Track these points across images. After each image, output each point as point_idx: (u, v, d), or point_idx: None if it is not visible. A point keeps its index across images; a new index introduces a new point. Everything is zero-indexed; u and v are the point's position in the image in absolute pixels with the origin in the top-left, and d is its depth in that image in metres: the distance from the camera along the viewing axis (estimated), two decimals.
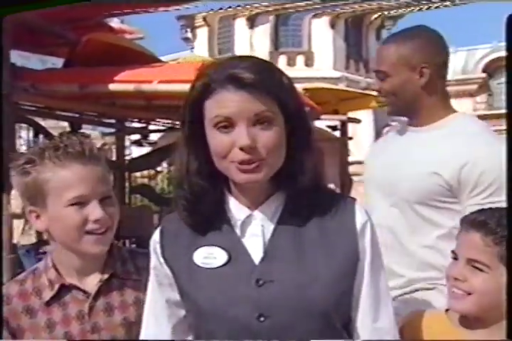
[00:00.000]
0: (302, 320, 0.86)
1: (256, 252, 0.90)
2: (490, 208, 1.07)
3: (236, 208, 0.92)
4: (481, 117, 17.91)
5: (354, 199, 0.96)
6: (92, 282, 1.09)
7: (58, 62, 5.54)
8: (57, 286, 1.08)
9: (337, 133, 8.87)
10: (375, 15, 17.53)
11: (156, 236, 0.97)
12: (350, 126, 9.01)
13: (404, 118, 1.57)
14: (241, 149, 0.84)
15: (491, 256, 0.98)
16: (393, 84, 1.48)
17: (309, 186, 0.90)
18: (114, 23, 5.58)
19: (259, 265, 0.89)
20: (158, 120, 5.69)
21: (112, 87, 3.12)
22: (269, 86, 0.86)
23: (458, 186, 1.35)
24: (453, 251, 1.06)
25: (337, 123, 8.65)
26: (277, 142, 0.86)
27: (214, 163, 0.89)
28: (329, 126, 8.74)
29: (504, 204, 1.35)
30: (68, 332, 1.07)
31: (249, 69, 0.85)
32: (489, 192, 1.32)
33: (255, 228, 0.91)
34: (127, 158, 7.20)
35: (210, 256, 0.91)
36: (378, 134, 16.24)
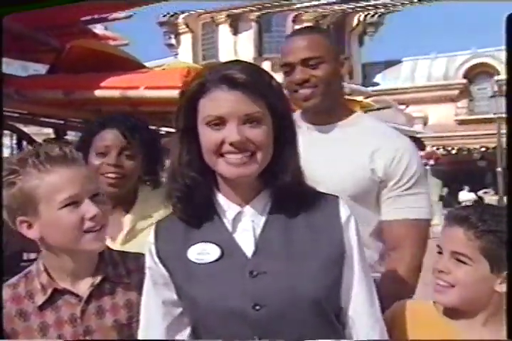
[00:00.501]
0: (296, 308, 0.91)
1: (248, 246, 0.95)
2: (473, 204, 1.11)
3: (226, 205, 0.97)
4: (463, 122, 18.07)
5: (337, 196, 1.02)
6: (84, 286, 1.10)
7: (40, 69, 5.50)
8: (49, 291, 1.09)
9: None
10: (356, 22, 17.75)
11: (150, 237, 1.01)
12: None
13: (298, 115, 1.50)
14: (231, 144, 0.90)
15: (473, 249, 1.02)
16: (327, 70, 1.44)
17: (293, 182, 0.96)
18: (98, 29, 5.56)
19: (252, 258, 0.94)
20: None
21: (98, 93, 3.11)
22: (260, 87, 0.92)
23: (386, 179, 1.39)
24: (438, 245, 1.09)
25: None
26: (265, 139, 0.92)
27: (204, 158, 0.94)
28: None
29: (423, 195, 1.43)
30: (61, 335, 1.08)
31: (242, 71, 0.91)
32: (410, 184, 1.39)
33: (246, 224, 0.96)
34: None
35: (203, 252, 0.95)
36: None
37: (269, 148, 0.94)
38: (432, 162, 17.39)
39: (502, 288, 1.03)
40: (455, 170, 16.94)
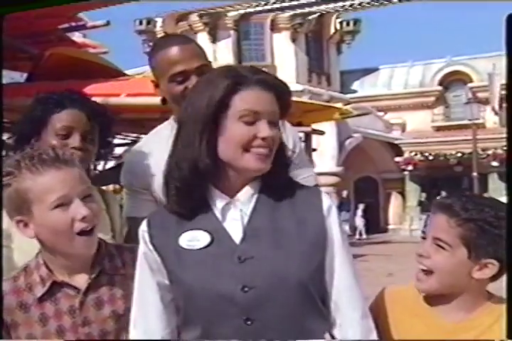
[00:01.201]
0: (282, 290, 0.97)
1: (236, 234, 1.00)
2: (458, 193, 1.15)
3: (216, 195, 1.03)
4: (440, 128, 18.32)
5: (319, 188, 1.11)
6: (82, 279, 1.14)
7: (17, 77, 5.45)
8: (48, 283, 1.12)
9: (301, 145, 8.98)
10: (333, 30, 17.99)
11: (143, 226, 1.06)
12: (314, 137, 9.17)
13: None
14: (263, 139, 0.98)
15: (453, 236, 1.07)
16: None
17: (281, 172, 1.04)
18: (76, 37, 5.55)
19: (240, 245, 0.99)
20: (124, 134, 5.66)
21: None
22: (282, 91, 1.03)
23: None
24: (423, 231, 1.13)
25: (301, 135, 8.79)
26: (279, 138, 1.03)
27: (217, 152, 1.00)
28: None
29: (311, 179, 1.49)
30: (60, 325, 1.11)
31: (271, 76, 1.04)
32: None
33: (235, 213, 1.02)
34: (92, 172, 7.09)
35: (194, 239, 1.00)
36: (341, 145, 16.56)
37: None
38: (410, 167, 17.64)
39: (479, 275, 1.07)
40: (432, 176, 17.20)
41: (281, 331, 0.97)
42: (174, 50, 1.48)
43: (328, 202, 1.05)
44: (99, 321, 1.12)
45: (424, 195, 17.30)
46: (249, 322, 0.96)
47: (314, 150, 8.90)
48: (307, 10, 15.46)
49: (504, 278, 1.02)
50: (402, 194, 18.34)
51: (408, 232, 16.05)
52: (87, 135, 1.46)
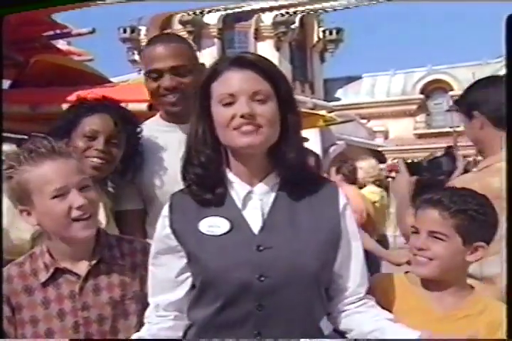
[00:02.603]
0: (294, 280, 1.01)
1: (255, 223, 1.03)
2: (442, 188, 1.28)
3: (238, 184, 1.05)
4: (422, 135, 18.55)
5: (337, 184, 1.13)
6: (82, 266, 1.21)
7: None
8: (52, 269, 1.20)
9: None
10: (316, 39, 18.19)
11: (164, 211, 1.09)
12: None
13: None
14: (242, 117, 0.98)
15: (447, 227, 1.17)
16: (194, 79, 1.51)
17: (298, 163, 1.05)
18: (61, 44, 5.53)
19: (259, 234, 1.03)
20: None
21: (66, 107, 3.11)
22: (267, 69, 1.03)
23: None
24: (413, 226, 1.22)
25: None
26: (272, 115, 1.02)
27: (218, 138, 1.03)
28: None
29: None
30: (61, 309, 1.19)
31: (251, 54, 1.06)
32: None
33: (255, 202, 1.05)
34: None
35: (214, 225, 1.03)
36: (325, 152, 16.68)
37: (276, 123, 1.03)
38: (393, 174, 17.78)
39: (472, 258, 1.18)
40: (415, 182, 17.37)
41: (288, 317, 1.02)
42: (154, 48, 1.54)
43: (344, 200, 1.10)
44: (98, 306, 1.19)
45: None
46: (259, 309, 1.01)
47: None
48: (291, 10, 15.55)
49: (504, 278, 1.10)
50: None
51: (392, 238, 16.19)
52: (112, 139, 1.52)
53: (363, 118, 18.37)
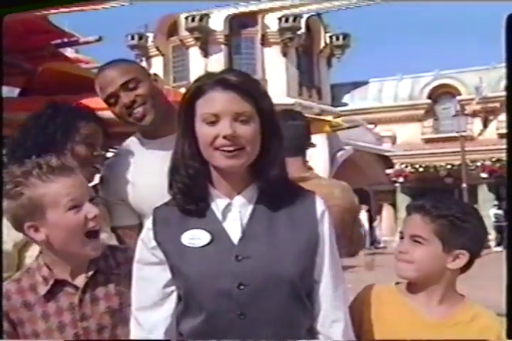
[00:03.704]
0: (274, 288, 1.03)
1: (235, 234, 1.06)
2: (428, 194, 1.29)
3: (218, 197, 1.09)
4: (429, 140, 18.37)
5: (314, 192, 1.15)
6: (80, 277, 1.23)
7: (7, 92, 5.47)
8: (51, 282, 1.21)
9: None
10: (324, 44, 18.23)
11: (148, 223, 1.12)
12: None
13: None
14: (224, 137, 1.02)
15: (428, 231, 1.18)
16: (147, 87, 1.54)
17: (278, 177, 1.08)
18: (69, 53, 5.60)
19: (238, 244, 1.05)
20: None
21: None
22: (250, 90, 1.06)
23: None
24: (400, 232, 1.25)
25: None
26: (253, 135, 1.05)
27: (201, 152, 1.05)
28: None
29: None
30: (61, 321, 1.21)
31: (235, 75, 1.06)
32: None
33: (234, 214, 1.08)
34: None
35: (195, 237, 1.06)
36: (333, 158, 16.66)
37: (257, 143, 1.07)
38: (401, 179, 17.76)
39: (453, 265, 1.19)
40: (423, 187, 17.30)
41: (270, 325, 1.04)
42: (101, 76, 1.59)
43: (321, 207, 1.11)
44: (96, 316, 1.21)
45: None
46: (242, 317, 1.03)
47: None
48: (298, 9, 15.59)
49: (504, 279, 1.09)
50: (394, 205, 18.43)
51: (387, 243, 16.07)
52: (102, 148, 1.60)
53: (370, 123, 18.33)
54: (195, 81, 1.09)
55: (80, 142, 1.54)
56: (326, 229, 1.10)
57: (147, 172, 1.54)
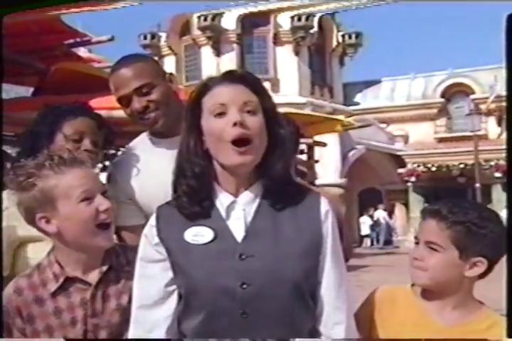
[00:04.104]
0: (277, 287, 1.02)
1: (239, 232, 1.05)
2: (444, 199, 1.23)
3: (222, 195, 1.08)
4: (442, 139, 18.22)
5: (319, 193, 1.14)
6: (93, 274, 1.23)
7: (22, 91, 5.54)
8: (61, 279, 1.21)
9: (304, 157, 9.04)
10: (336, 43, 18.14)
11: (151, 221, 1.12)
12: (317, 149, 9.23)
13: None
14: (234, 124, 1.01)
15: (443, 238, 1.14)
16: (161, 92, 1.52)
17: (283, 175, 1.08)
18: (82, 52, 5.64)
19: (241, 243, 1.04)
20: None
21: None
22: (255, 84, 1.07)
23: None
24: (415, 237, 1.21)
25: (304, 146, 8.82)
26: (261, 126, 1.06)
27: (208, 152, 1.06)
28: None
29: None
30: (74, 317, 1.20)
31: (239, 71, 1.10)
32: None
33: (238, 212, 1.07)
34: None
35: (198, 234, 1.05)
36: (344, 157, 16.60)
37: (264, 137, 1.07)
38: (413, 179, 17.62)
39: (470, 273, 1.14)
40: (436, 187, 17.17)
41: (273, 324, 1.03)
42: (115, 75, 1.55)
43: (325, 207, 1.11)
44: (106, 313, 1.21)
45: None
46: (244, 316, 1.02)
47: (317, 161, 8.95)
48: (308, 9, 15.57)
49: (504, 279, 1.08)
50: (406, 205, 18.31)
51: (412, 243, 15.97)
52: (96, 141, 1.56)
53: (382, 122, 18.22)
54: (201, 81, 1.11)
55: (63, 138, 1.52)
56: (329, 229, 1.09)
57: (156, 172, 1.52)
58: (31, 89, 4.75)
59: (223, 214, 1.07)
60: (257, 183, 1.09)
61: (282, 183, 1.07)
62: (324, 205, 1.11)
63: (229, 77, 1.07)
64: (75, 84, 3.88)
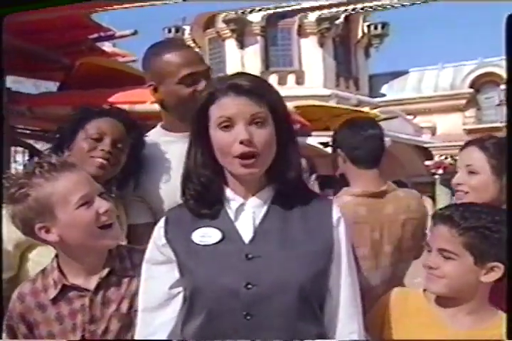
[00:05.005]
0: (283, 290, 1.00)
1: (246, 234, 1.05)
2: (455, 203, 1.19)
3: (232, 197, 1.08)
4: (471, 131, 17.94)
5: (330, 199, 1.14)
6: (94, 279, 1.20)
7: (51, 86, 5.63)
8: (59, 286, 1.21)
9: (329, 150, 8.96)
10: (361, 34, 17.87)
11: (160, 223, 1.12)
12: None
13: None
14: (241, 143, 1.00)
15: (457, 245, 1.11)
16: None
17: (295, 180, 1.07)
18: (107, 46, 5.70)
19: (249, 244, 1.04)
20: None
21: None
22: (261, 93, 1.04)
23: None
24: (427, 244, 1.18)
25: (329, 139, 8.74)
26: (269, 139, 1.04)
27: (217, 158, 1.05)
28: (321, 143, 8.83)
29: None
30: (75, 323, 1.19)
31: (246, 80, 1.05)
32: None
33: (247, 214, 1.06)
34: None
35: (206, 235, 1.05)
36: None
37: (273, 147, 1.06)
38: (440, 171, 17.33)
39: (486, 278, 1.12)
40: None
41: (276, 328, 1.01)
42: (182, 53, 1.52)
43: (337, 213, 1.09)
44: (105, 319, 1.17)
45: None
46: (248, 317, 1.01)
47: None
48: (334, 10, 15.40)
49: (504, 279, 1.07)
50: (433, 198, 18.03)
51: None
52: (118, 143, 1.52)
53: (409, 114, 17.92)
54: (207, 87, 1.09)
55: (83, 138, 1.51)
56: (341, 236, 1.07)
57: (167, 166, 1.52)
58: (56, 84, 4.81)
59: (232, 216, 1.07)
60: (269, 187, 1.08)
61: (294, 188, 1.07)
62: (336, 212, 1.09)
63: (235, 88, 1.04)
64: (99, 79, 3.92)
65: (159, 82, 1.56)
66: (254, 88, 1.04)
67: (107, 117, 1.54)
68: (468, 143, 1.39)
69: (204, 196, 1.07)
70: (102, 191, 1.21)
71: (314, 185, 3.49)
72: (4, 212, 1.27)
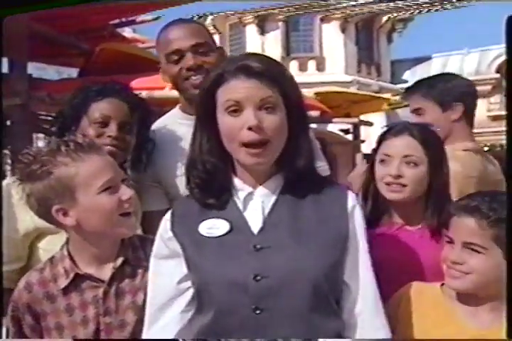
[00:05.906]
0: (294, 282, 0.95)
1: (255, 224, 1.00)
2: (479, 192, 1.13)
3: (240, 186, 1.02)
4: (496, 117, 17.59)
5: (346, 186, 1.08)
6: (107, 269, 1.16)
7: (73, 73, 5.66)
8: (71, 275, 1.15)
9: (349, 137, 8.87)
10: (385, 19, 17.53)
11: (167, 215, 1.08)
12: (363, 129, 9.02)
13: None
14: (249, 129, 0.94)
15: (486, 238, 1.05)
16: (217, 58, 1.45)
17: (305, 168, 1.01)
18: (127, 32, 5.68)
19: (258, 234, 0.99)
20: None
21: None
22: (274, 76, 0.97)
23: None
24: (447, 236, 1.11)
25: (349, 126, 8.66)
26: (280, 125, 0.97)
27: (223, 145, 0.99)
28: (342, 130, 8.76)
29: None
30: (86, 315, 1.13)
31: (257, 61, 0.97)
32: None
33: (256, 203, 1.01)
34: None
35: (213, 227, 1.00)
36: None
37: (283, 134, 0.99)
38: None
39: None
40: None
41: (289, 324, 0.95)
42: (169, 30, 1.48)
43: (353, 201, 1.03)
44: (120, 311, 1.13)
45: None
46: (258, 312, 0.95)
47: (363, 141, 8.77)
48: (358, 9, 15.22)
49: (504, 279, 1.00)
50: None
51: None
52: (125, 125, 1.46)
53: None
54: (216, 68, 1.01)
55: (89, 123, 1.44)
56: (358, 225, 1.02)
57: (184, 149, 1.50)
58: (76, 70, 4.83)
59: (240, 205, 1.02)
60: (278, 175, 1.03)
61: (304, 175, 1.01)
62: (352, 199, 1.03)
63: (246, 70, 0.96)
64: (119, 65, 3.91)
65: (160, 62, 1.54)
66: (266, 70, 0.97)
67: (109, 98, 1.46)
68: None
69: (210, 184, 1.02)
70: (125, 177, 1.17)
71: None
72: (14, 193, 1.22)
